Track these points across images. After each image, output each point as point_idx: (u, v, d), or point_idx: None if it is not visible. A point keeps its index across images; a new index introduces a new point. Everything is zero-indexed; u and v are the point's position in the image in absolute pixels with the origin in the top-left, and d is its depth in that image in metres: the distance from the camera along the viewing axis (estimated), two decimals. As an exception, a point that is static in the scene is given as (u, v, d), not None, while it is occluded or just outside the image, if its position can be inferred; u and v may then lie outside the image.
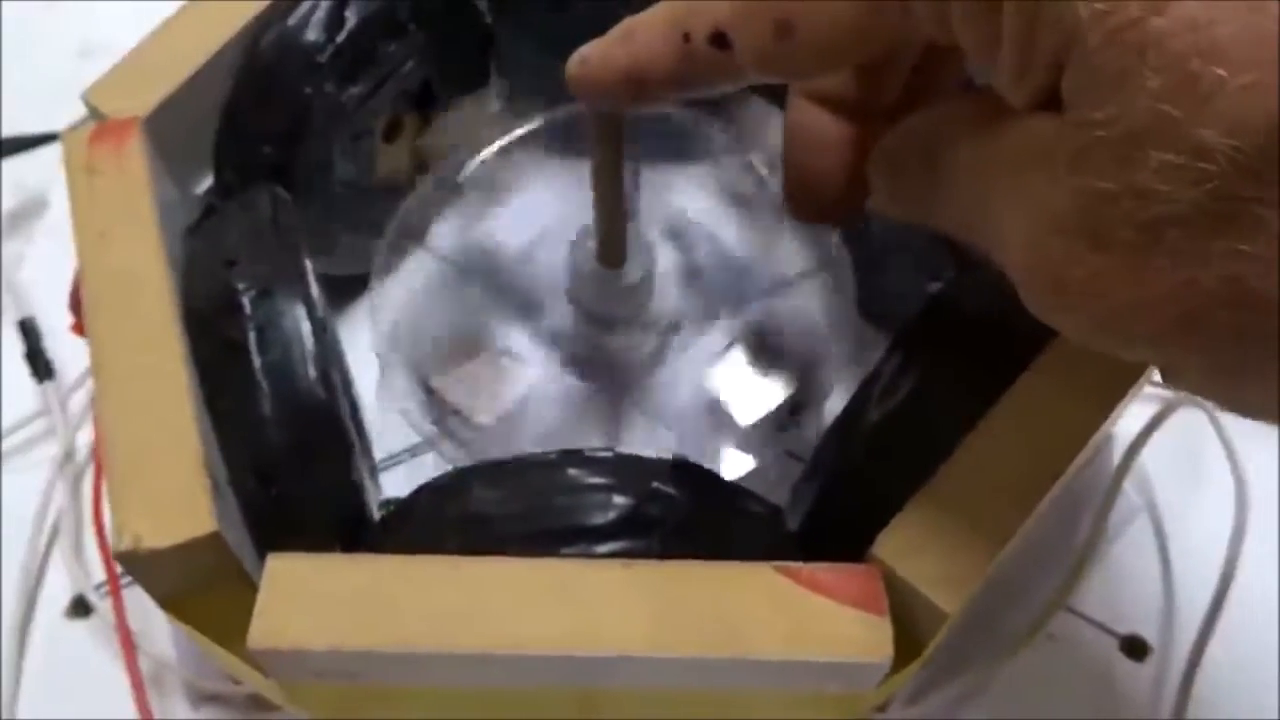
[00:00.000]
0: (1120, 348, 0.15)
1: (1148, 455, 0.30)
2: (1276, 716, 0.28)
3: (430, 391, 0.27)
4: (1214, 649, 0.28)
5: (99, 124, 0.26)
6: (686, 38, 0.19)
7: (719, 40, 0.18)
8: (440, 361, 0.28)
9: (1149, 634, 0.30)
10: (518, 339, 0.29)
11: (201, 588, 0.21)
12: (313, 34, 0.28)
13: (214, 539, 0.20)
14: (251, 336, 0.23)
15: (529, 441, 0.28)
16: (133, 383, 0.22)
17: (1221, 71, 0.13)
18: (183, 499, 0.20)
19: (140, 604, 0.27)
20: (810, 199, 0.21)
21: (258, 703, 0.29)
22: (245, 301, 0.23)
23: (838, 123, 0.21)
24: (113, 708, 0.28)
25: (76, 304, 0.25)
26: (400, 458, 0.32)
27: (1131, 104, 0.13)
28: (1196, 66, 0.13)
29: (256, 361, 0.23)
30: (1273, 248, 0.13)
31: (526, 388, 0.28)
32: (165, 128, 0.26)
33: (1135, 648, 0.30)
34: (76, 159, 0.25)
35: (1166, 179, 0.13)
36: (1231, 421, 0.30)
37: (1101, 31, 0.13)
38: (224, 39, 0.27)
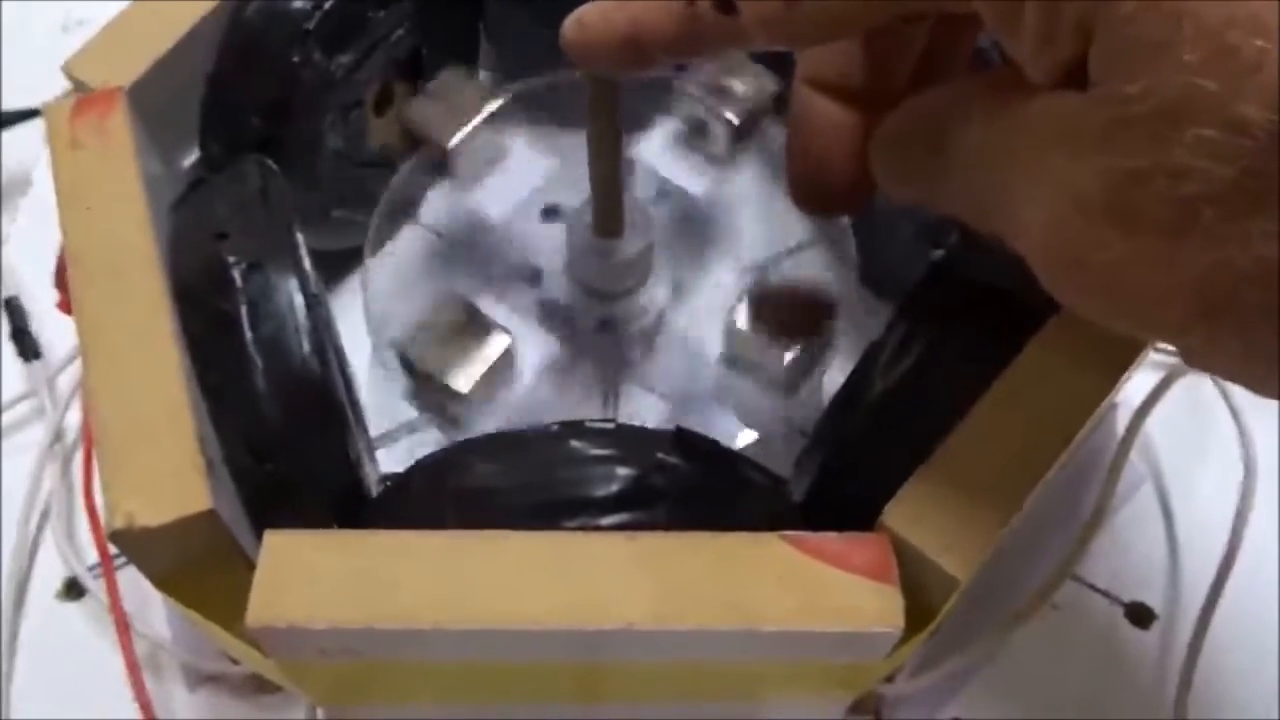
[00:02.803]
0: (1144, 331, 0.15)
1: (1153, 422, 0.29)
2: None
3: (423, 366, 0.26)
4: (1220, 616, 0.28)
5: (82, 95, 0.25)
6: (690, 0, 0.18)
7: (724, 3, 0.18)
8: (433, 335, 0.27)
9: (1154, 602, 0.30)
10: (514, 312, 0.29)
11: (196, 567, 0.21)
12: (299, 1, 0.27)
13: (208, 516, 0.20)
14: (243, 311, 0.23)
15: (526, 416, 0.27)
16: (122, 359, 0.22)
17: (1262, 43, 0.12)
18: (176, 476, 0.20)
19: (135, 585, 0.26)
20: (817, 190, 0.21)
21: (257, 683, 0.28)
22: (236, 275, 0.23)
23: (844, 112, 0.20)
24: (108, 691, 0.28)
25: (62, 281, 0.24)
26: (397, 433, 0.31)
27: (1167, 77, 0.13)
28: (1236, 38, 0.12)
29: (249, 336, 0.22)
30: None
31: (522, 361, 0.28)
32: (149, 99, 0.26)
33: (1141, 616, 0.29)
34: (59, 132, 0.25)
35: (1202, 155, 0.13)
36: (1238, 388, 0.30)
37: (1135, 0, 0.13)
38: (209, 6, 0.27)
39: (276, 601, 0.19)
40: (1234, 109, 0.12)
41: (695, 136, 0.31)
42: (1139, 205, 0.13)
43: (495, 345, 0.26)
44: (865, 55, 0.20)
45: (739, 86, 0.30)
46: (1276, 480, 0.30)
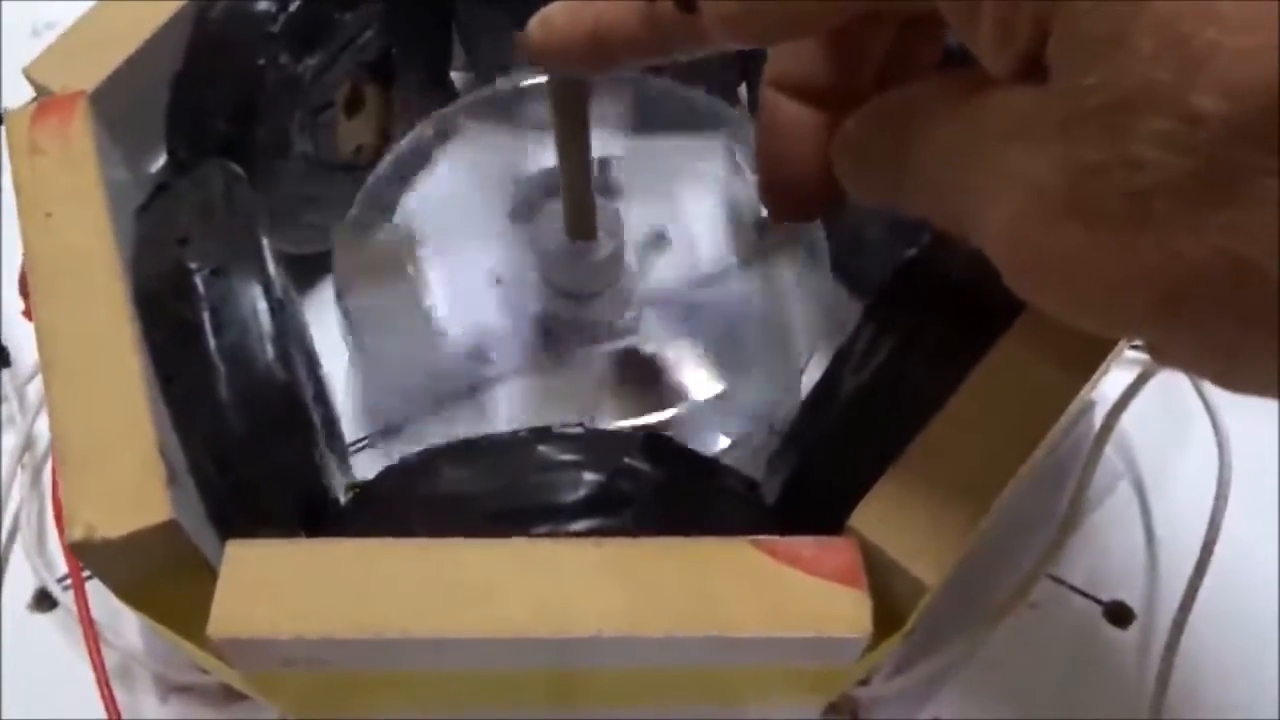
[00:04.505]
0: (1105, 326, 0.15)
1: (1128, 419, 0.29)
2: (1261, 681, 0.28)
3: (396, 371, 0.26)
4: (1198, 613, 0.27)
5: (42, 100, 0.25)
6: None
7: (684, 2, 0.18)
8: (406, 340, 0.27)
9: (1132, 600, 0.29)
10: (486, 311, 0.28)
11: (160, 578, 0.20)
12: (264, 3, 0.27)
13: (169, 527, 0.19)
14: (206, 317, 0.22)
15: (499, 419, 0.27)
16: (83, 368, 0.21)
17: (1214, 33, 0.12)
18: (137, 487, 0.20)
19: (106, 596, 0.26)
20: (788, 194, 0.21)
21: (228, 693, 0.28)
22: (198, 281, 0.23)
23: (811, 113, 0.20)
24: (79, 702, 0.27)
25: (25, 288, 0.24)
26: (372, 439, 0.31)
27: (1122, 70, 0.12)
28: (1190, 29, 0.12)
29: (212, 343, 0.22)
30: (1272, 217, 0.12)
31: (495, 363, 0.28)
32: (113, 103, 0.25)
33: (1119, 614, 0.29)
34: (19, 139, 0.24)
35: (1158, 147, 0.12)
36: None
37: None
38: (173, 8, 0.26)
39: (239, 612, 0.19)
40: (1189, 100, 0.12)
41: (725, 205, 0.30)
42: (1097, 198, 0.13)
43: (465, 347, 0.26)
44: (830, 55, 0.20)
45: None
46: (1252, 477, 0.30)
